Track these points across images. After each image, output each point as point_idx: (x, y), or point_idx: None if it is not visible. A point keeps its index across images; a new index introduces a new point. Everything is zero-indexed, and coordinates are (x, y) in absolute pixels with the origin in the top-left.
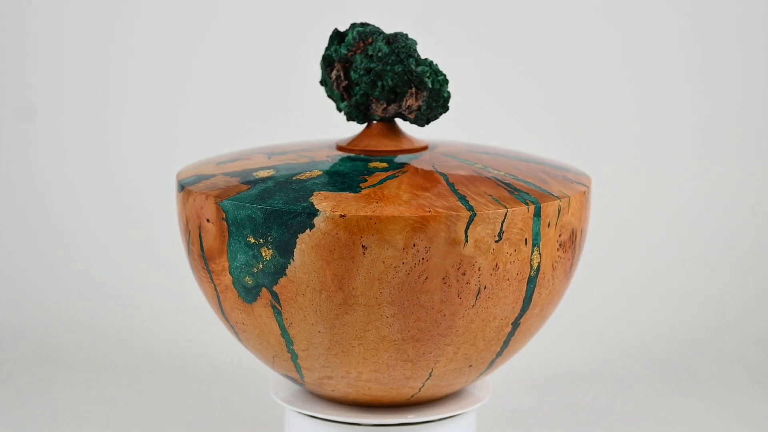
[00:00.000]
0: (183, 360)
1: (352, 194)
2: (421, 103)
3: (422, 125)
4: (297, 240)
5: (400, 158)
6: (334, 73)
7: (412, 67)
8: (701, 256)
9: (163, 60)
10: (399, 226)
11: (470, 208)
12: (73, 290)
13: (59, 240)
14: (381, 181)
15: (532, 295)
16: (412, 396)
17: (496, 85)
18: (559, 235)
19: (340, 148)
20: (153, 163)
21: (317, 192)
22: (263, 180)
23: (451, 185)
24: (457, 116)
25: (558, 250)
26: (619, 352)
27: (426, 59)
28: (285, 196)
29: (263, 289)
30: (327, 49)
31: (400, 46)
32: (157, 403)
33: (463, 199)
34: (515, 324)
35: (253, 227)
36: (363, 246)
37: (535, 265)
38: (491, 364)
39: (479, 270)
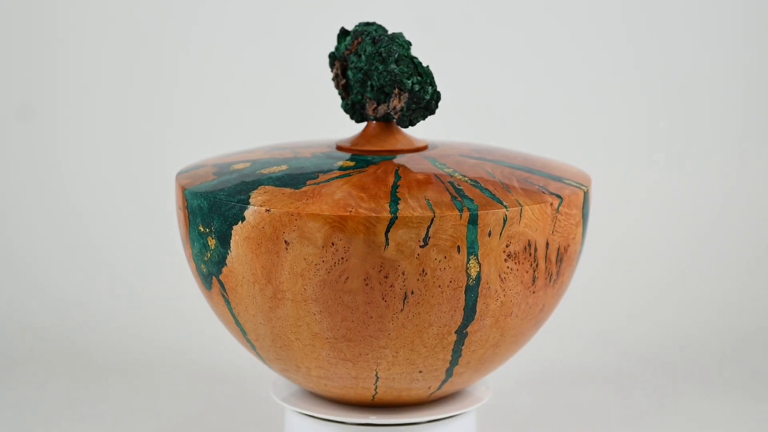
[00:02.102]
0: (183, 360)
1: (292, 190)
2: (402, 105)
3: (405, 126)
4: (232, 231)
5: (374, 158)
6: (333, 72)
7: (392, 67)
8: (702, 255)
9: (196, 62)
10: (318, 224)
11: (394, 211)
12: (73, 289)
13: (59, 239)
14: (329, 180)
15: (475, 305)
16: (373, 397)
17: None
18: (507, 246)
19: (339, 147)
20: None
21: (262, 186)
22: (231, 172)
23: (395, 187)
24: (485, 117)
25: (506, 261)
26: (619, 352)
27: (412, 60)
28: (233, 188)
29: (213, 277)
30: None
31: (383, 45)
32: (156, 402)
33: (395, 201)
34: (461, 333)
35: (202, 216)
36: (286, 241)
37: (474, 275)
38: (450, 372)
39: (403, 274)
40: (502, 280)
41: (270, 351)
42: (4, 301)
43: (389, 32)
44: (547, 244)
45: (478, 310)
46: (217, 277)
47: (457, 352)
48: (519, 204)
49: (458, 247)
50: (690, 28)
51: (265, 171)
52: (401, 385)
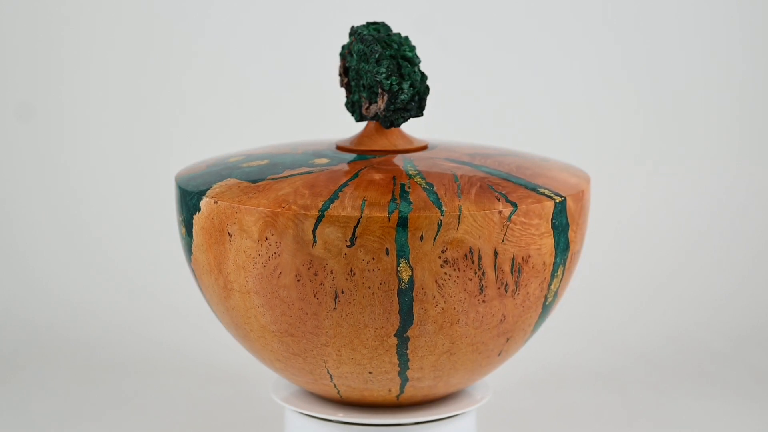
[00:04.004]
0: (183, 360)
1: (249, 184)
2: (383, 105)
3: (387, 127)
4: (193, 220)
5: (351, 157)
6: (338, 70)
7: (371, 66)
8: (702, 255)
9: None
10: (254, 218)
11: (324, 209)
12: (73, 289)
13: (63, 238)
14: (290, 176)
15: (411, 309)
16: (339, 394)
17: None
18: (442, 251)
19: (338, 146)
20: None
21: (229, 179)
22: (219, 165)
23: (342, 186)
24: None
25: (443, 266)
26: (619, 352)
27: (397, 60)
28: (205, 180)
29: (189, 264)
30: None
31: (367, 45)
32: (157, 402)
33: (332, 200)
34: (401, 337)
35: (178, 205)
36: (229, 233)
37: (405, 278)
38: (404, 376)
39: (332, 273)
40: (439, 286)
41: (240, 340)
42: (5, 301)
43: (392, 32)
44: (496, 252)
45: (415, 314)
46: (189, 265)
47: (403, 356)
48: (459, 210)
49: (387, 249)
50: (685, 28)
51: (244, 165)
52: (357, 384)
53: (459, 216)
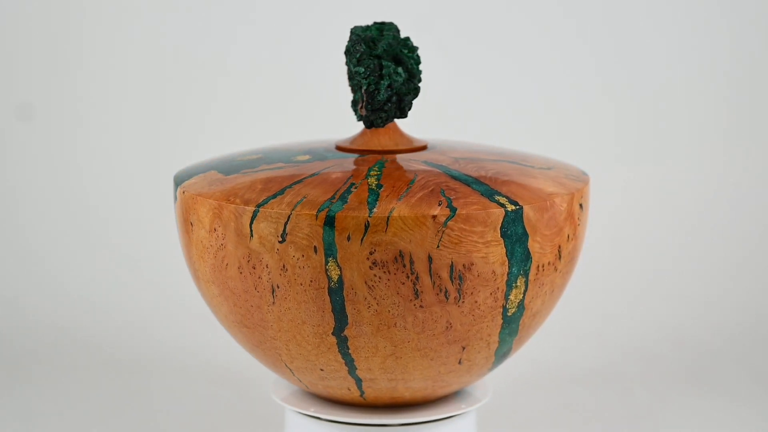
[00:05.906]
0: (183, 360)
1: (221, 176)
2: (365, 105)
3: (368, 127)
4: (175, 208)
5: (335, 155)
6: (345, 70)
7: (351, 66)
8: (701, 255)
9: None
10: (206, 209)
11: (261, 204)
12: (73, 289)
13: (63, 237)
14: (261, 171)
15: (343, 309)
16: (308, 389)
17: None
18: (371, 253)
19: (337, 145)
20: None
21: (211, 171)
22: (218, 160)
23: (295, 182)
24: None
25: (372, 268)
26: (619, 352)
27: (380, 60)
28: (194, 171)
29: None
30: None
31: (352, 44)
32: (157, 402)
33: (275, 196)
34: (339, 336)
35: (174, 197)
36: (191, 223)
37: (335, 277)
38: (356, 376)
39: (267, 267)
40: (369, 287)
41: (223, 326)
42: (8, 301)
43: (396, 32)
44: (430, 257)
45: (349, 315)
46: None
47: (347, 356)
48: (389, 212)
49: (315, 247)
50: (682, 28)
51: (238, 159)
52: (316, 381)
53: (388, 218)
